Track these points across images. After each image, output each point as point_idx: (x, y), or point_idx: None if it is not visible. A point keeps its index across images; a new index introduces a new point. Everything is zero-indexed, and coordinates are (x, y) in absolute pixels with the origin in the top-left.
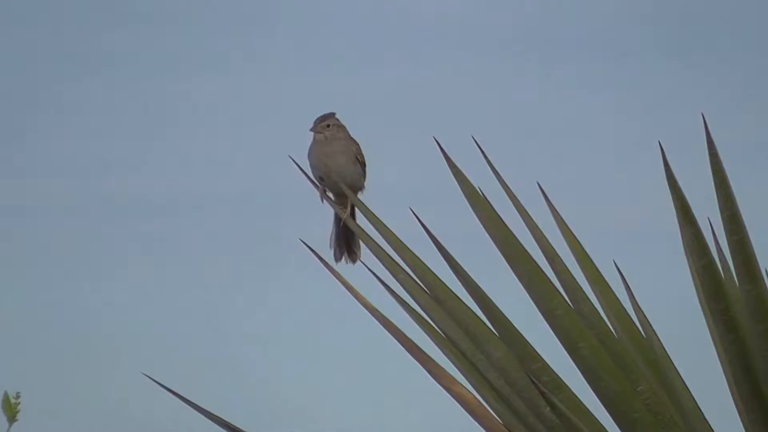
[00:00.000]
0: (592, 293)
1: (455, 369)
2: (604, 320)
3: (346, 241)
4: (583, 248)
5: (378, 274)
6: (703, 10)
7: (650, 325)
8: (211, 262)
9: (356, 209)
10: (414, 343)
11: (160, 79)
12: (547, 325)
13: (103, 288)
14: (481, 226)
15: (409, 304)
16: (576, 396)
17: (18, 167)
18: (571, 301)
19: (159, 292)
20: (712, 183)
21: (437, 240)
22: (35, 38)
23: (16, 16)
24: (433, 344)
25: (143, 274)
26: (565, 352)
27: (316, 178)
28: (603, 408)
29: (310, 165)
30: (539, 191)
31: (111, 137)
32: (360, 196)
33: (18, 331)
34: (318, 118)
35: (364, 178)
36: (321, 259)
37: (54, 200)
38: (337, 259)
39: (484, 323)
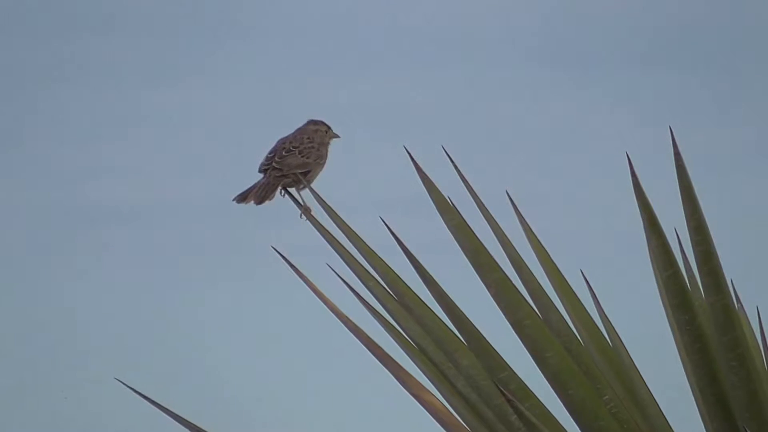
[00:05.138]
0: (560, 303)
1: (424, 377)
2: (571, 329)
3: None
4: (550, 258)
5: (348, 282)
6: (675, 23)
7: (617, 334)
8: (184, 269)
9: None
10: (383, 350)
11: (135, 87)
12: (515, 334)
13: (76, 293)
14: (451, 235)
15: (378, 312)
16: (543, 404)
17: None
18: (538, 311)
19: (131, 297)
20: (679, 194)
21: (407, 248)
22: (10, 46)
23: None
24: (402, 352)
25: (115, 279)
26: (533, 361)
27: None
28: (569, 416)
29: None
30: (509, 201)
31: (87, 144)
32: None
33: None
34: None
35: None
36: (292, 266)
37: (26, 206)
38: (238, 201)
39: (453, 332)
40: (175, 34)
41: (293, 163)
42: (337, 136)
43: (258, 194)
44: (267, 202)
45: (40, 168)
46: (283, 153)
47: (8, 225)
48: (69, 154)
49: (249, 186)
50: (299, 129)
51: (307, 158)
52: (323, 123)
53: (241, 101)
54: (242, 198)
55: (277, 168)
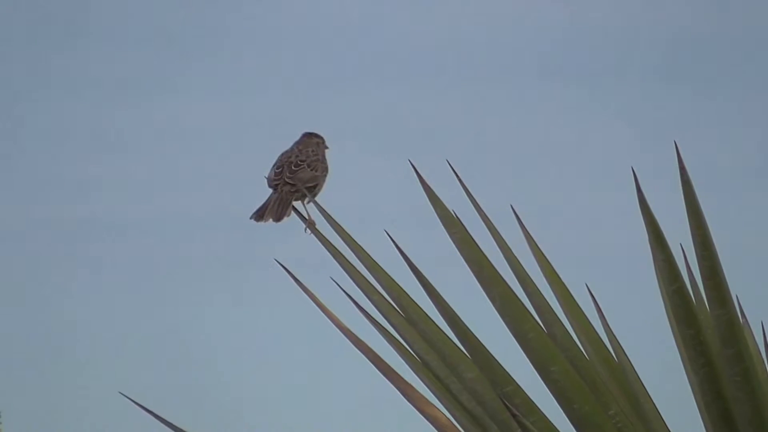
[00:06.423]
0: (565, 316)
1: (428, 391)
2: (576, 343)
3: (267, 208)
4: (555, 272)
5: (352, 295)
6: (680, 40)
7: (622, 348)
8: (186, 282)
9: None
10: (387, 364)
11: (132, 99)
12: (520, 348)
13: (79, 308)
14: (455, 248)
15: (382, 326)
16: (548, 418)
17: None
18: (543, 325)
19: (132, 312)
20: (684, 209)
21: (411, 262)
22: None
23: None
24: (406, 366)
25: (116, 293)
26: (538, 375)
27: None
28: (575, 430)
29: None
30: (513, 215)
31: (86, 157)
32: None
33: None
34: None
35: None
36: (296, 280)
37: (27, 221)
38: (256, 219)
39: (457, 345)
40: (171, 45)
41: (305, 177)
42: (327, 148)
43: (275, 211)
44: (285, 219)
45: (37, 182)
46: (293, 168)
47: (5, 239)
48: (70, 166)
49: (262, 203)
50: (298, 142)
51: (316, 171)
52: (319, 135)
53: (241, 113)
54: (259, 216)
55: (290, 183)
